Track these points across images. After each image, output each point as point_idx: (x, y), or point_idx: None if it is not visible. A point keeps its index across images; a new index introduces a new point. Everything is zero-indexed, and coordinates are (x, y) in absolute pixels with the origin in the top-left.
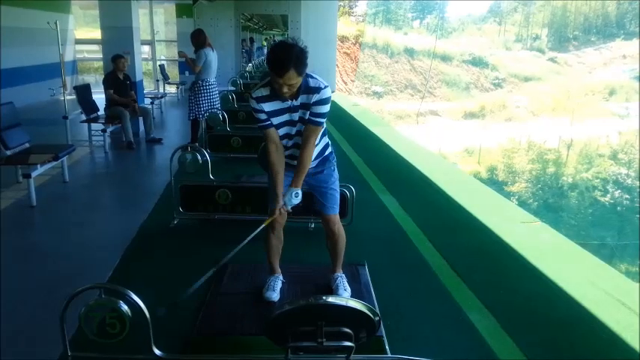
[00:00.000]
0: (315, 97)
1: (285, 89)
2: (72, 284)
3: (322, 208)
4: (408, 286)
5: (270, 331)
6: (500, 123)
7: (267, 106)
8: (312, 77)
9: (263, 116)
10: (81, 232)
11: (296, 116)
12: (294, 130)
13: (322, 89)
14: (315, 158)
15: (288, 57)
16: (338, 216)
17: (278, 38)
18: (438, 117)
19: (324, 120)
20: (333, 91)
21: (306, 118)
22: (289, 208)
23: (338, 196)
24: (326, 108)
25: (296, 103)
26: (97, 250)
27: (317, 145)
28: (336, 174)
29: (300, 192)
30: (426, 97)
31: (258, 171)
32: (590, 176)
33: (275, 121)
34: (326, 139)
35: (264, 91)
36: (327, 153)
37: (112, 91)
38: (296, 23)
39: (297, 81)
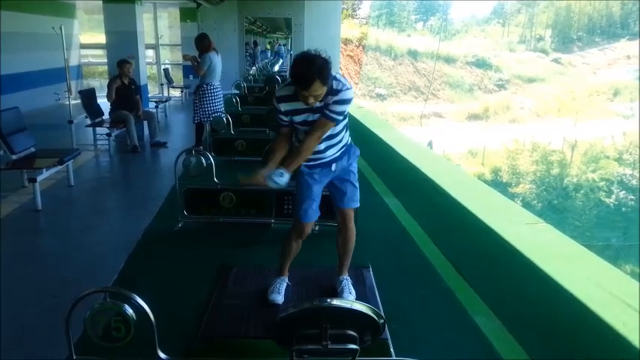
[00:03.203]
0: (335, 97)
1: (312, 100)
2: (77, 287)
3: (342, 198)
4: (413, 288)
5: (274, 334)
6: (504, 124)
7: (289, 106)
8: (336, 79)
9: (283, 118)
10: (86, 235)
11: (316, 116)
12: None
13: (343, 91)
14: (340, 150)
15: (312, 70)
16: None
17: (282, 41)
18: (441, 119)
19: (338, 118)
20: None
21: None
22: (272, 184)
23: (358, 192)
24: (343, 107)
25: (318, 104)
26: (102, 254)
27: (340, 139)
28: (356, 170)
29: (285, 173)
30: (429, 98)
31: None
32: (595, 177)
33: (297, 119)
34: (348, 137)
35: (287, 90)
36: (350, 148)
37: (114, 86)
38: (299, 26)
39: (322, 91)
